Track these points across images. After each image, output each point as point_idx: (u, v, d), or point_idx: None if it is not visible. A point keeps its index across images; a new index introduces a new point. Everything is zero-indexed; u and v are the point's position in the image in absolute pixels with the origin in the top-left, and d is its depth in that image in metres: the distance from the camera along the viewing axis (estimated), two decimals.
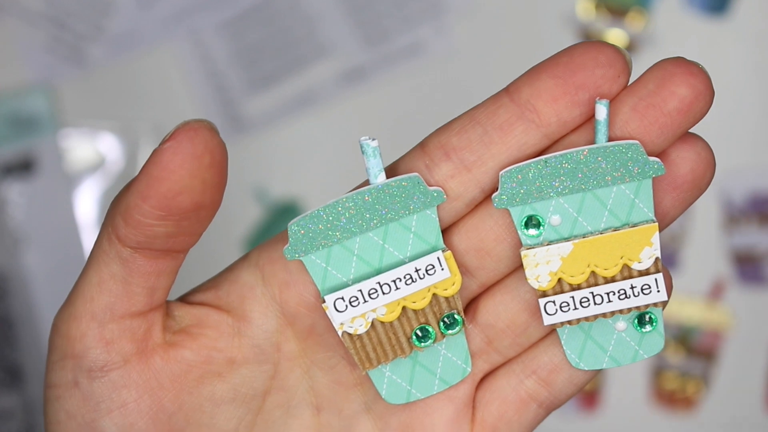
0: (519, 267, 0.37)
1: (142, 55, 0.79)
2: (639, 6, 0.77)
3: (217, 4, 0.79)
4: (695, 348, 0.78)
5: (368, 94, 0.79)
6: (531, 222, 0.36)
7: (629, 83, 0.35)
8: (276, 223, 0.79)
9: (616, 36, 0.78)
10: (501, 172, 0.35)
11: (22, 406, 0.76)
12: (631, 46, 0.78)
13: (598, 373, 0.38)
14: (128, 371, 0.35)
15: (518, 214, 0.35)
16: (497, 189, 0.35)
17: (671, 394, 0.79)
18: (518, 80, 0.35)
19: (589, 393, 0.79)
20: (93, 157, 0.78)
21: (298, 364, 0.37)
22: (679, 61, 0.34)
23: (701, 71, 0.34)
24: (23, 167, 0.77)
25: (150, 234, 0.34)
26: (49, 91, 0.78)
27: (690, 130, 0.35)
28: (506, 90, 0.35)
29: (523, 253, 0.36)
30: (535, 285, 0.36)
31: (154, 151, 0.33)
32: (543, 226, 0.35)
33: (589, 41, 0.35)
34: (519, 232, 0.36)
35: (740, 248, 0.78)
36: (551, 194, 0.35)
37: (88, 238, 0.77)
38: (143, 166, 0.33)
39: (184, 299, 0.38)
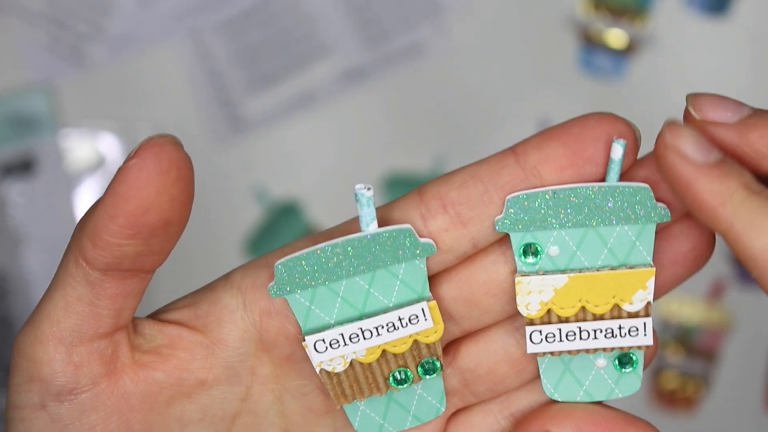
0: (505, 319, 0.37)
1: (142, 55, 0.79)
2: (639, 6, 0.77)
3: (217, 4, 0.79)
4: (695, 348, 0.78)
5: (368, 94, 0.79)
6: (529, 249, 0.35)
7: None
8: (276, 223, 0.79)
9: (616, 36, 0.78)
10: (508, 197, 0.35)
11: None
12: (631, 46, 0.77)
13: None
14: (97, 393, 0.35)
15: (518, 241, 0.35)
16: (494, 229, 0.35)
17: (671, 394, 0.79)
18: (526, 143, 0.35)
19: None
20: (93, 157, 0.78)
21: (271, 389, 0.37)
22: None
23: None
24: (23, 167, 0.77)
25: (118, 254, 0.33)
26: (49, 91, 0.78)
27: None
28: (513, 151, 0.35)
29: (517, 279, 0.35)
30: (524, 312, 0.36)
31: (120, 169, 0.32)
32: (541, 255, 0.35)
33: (601, 114, 0.35)
34: (516, 259, 0.35)
35: None
36: (554, 225, 0.35)
37: None
38: (109, 185, 0.33)
39: (156, 317, 0.37)
